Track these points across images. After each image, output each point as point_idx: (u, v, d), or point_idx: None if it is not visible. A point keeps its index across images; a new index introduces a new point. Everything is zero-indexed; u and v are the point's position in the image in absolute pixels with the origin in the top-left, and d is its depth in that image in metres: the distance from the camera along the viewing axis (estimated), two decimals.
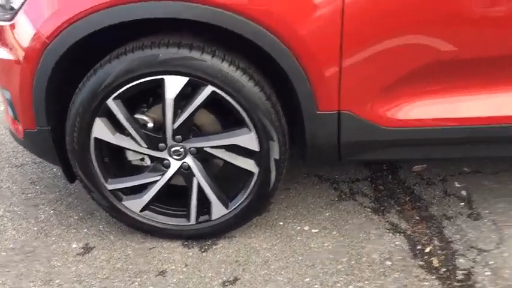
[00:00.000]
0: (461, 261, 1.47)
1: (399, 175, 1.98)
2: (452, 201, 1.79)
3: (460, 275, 1.42)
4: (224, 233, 1.59)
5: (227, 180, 1.53)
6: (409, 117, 1.38)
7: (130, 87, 1.31)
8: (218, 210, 1.50)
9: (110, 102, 1.33)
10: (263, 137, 1.36)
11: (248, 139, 1.37)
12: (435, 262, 1.48)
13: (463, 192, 1.84)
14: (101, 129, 1.37)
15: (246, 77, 1.30)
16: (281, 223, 1.69)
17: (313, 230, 1.64)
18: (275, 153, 1.39)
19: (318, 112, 1.34)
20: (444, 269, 1.45)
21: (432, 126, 1.39)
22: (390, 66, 1.32)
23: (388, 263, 1.48)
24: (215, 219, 1.52)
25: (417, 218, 1.71)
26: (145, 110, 1.44)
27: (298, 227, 1.65)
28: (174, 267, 1.48)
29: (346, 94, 1.32)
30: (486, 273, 1.41)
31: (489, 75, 1.38)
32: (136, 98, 1.43)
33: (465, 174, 1.96)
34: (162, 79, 1.29)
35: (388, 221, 1.68)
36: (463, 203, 1.77)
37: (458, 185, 1.88)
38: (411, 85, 1.35)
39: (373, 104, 1.36)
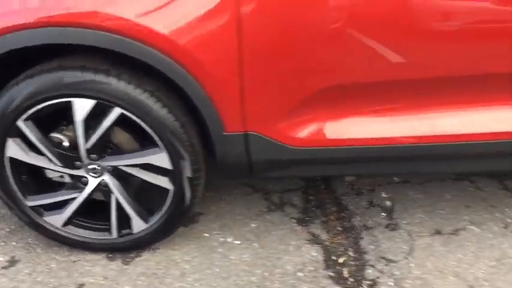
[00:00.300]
0: (369, 271, 1.54)
1: (332, 185, 2.05)
2: (375, 211, 1.86)
3: (365, 285, 1.49)
4: (147, 245, 1.63)
5: (147, 195, 1.58)
6: (314, 137, 1.43)
7: (40, 109, 1.34)
8: (138, 225, 1.55)
9: (20, 124, 1.36)
10: (174, 156, 1.41)
11: (160, 158, 1.41)
12: (345, 273, 1.55)
13: (388, 203, 1.91)
14: (14, 149, 1.40)
15: (154, 99, 1.34)
16: (206, 235, 1.74)
17: (235, 242, 1.70)
18: (187, 172, 1.44)
19: (225, 133, 1.38)
20: (352, 280, 1.52)
21: (339, 145, 1.45)
22: (293, 88, 1.36)
23: (300, 274, 1.54)
24: (136, 233, 1.57)
25: (339, 228, 1.78)
26: (64, 128, 1.48)
27: (222, 239, 1.71)
28: (93, 280, 1.53)
29: (251, 116, 1.36)
30: (389, 283, 1.49)
31: (400, 99, 1.42)
32: (60, 115, 1.47)
33: (394, 184, 2.03)
34: (70, 101, 1.33)
35: (309, 232, 1.74)
36: (384, 214, 1.84)
37: (384, 195, 1.95)
38: (316, 106, 1.40)
39: (279, 124, 1.40)
